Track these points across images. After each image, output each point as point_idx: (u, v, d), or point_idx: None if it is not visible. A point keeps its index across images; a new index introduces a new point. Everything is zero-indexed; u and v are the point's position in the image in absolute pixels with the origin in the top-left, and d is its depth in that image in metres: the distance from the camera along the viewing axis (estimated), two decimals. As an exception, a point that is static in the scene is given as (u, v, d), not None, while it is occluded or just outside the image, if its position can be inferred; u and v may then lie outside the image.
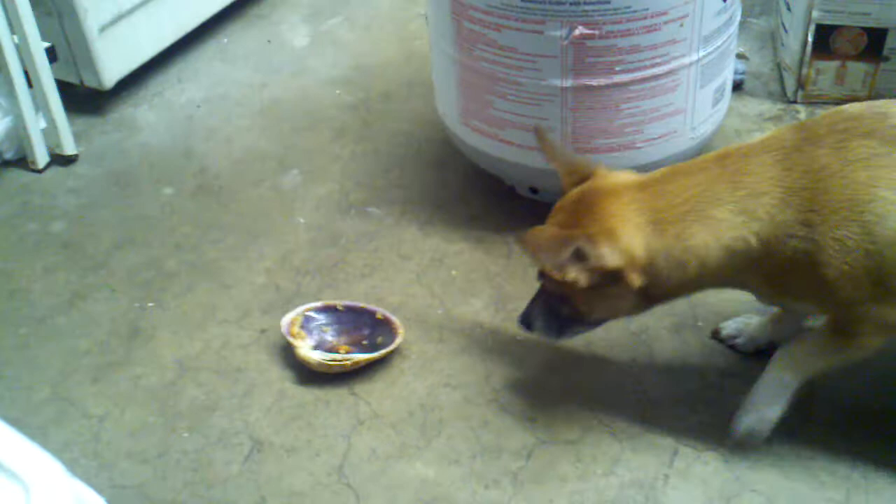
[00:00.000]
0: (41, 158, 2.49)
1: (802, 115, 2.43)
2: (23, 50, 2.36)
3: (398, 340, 1.88)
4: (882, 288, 1.43)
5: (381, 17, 3.07)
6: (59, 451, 1.73)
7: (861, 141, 1.43)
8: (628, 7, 1.80)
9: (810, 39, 2.36)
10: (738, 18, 2.06)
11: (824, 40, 2.36)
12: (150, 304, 2.07)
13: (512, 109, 1.98)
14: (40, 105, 2.45)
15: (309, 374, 1.86)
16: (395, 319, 1.91)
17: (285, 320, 1.91)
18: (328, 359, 1.83)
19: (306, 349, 1.85)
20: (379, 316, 1.93)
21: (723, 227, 1.45)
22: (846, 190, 1.41)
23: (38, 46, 2.38)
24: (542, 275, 1.58)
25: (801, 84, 2.44)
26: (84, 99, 2.70)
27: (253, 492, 1.67)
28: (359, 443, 1.74)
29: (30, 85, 2.41)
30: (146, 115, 2.70)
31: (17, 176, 2.49)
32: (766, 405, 1.60)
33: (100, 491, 1.24)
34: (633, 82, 1.90)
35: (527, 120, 1.97)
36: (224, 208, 2.33)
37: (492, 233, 2.15)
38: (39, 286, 2.14)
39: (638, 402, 1.76)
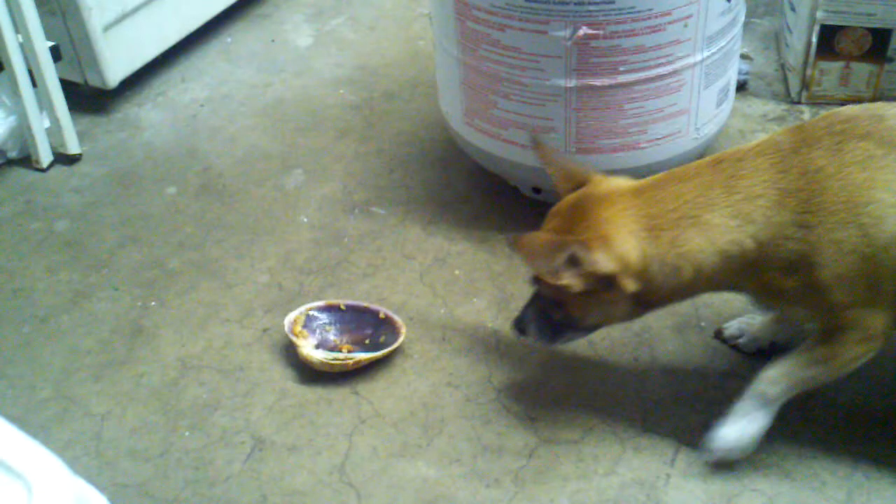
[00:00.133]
0: (45, 157, 2.49)
1: (806, 116, 2.43)
2: (27, 49, 2.36)
3: (400, 340, 1.88)
4: (875, 292, 1.43)
5: (384, 17, 3.07)
6: (61, 449, 1.74)
7: (857, 143, 1.42)
8: (632, 7, 1.80)
9: (814, 40, 2.36)
10: (742, 19, 2.06)
11: (828, 41, 2.35)
12: (153, 303, 2.07)
13: (515, 110, 1.98)
14: (44, 104, 2.46)
15: (311, 374, 1.86)
16: (397, 319, 1.91)
17: (288, 319, 1.91)
18: (330, 358, 1.83)
19: (309, 348, 1.85)
20: (381, 315, 1.93)
21: (718, 231, 1.44)
22: (843, 192, 1.40)
23: (43, 45, 2.38)
24: (535, 280, 1.57)
25: (805, 85, 2.44)
26: (88, 98, 2.70)
27: (254, 490, 1.67)
28: (360, 442, 1.74)
29: (34, 84, 2.42)
30: (150, 114, 2.70)
31: (21, 175, 2.50)
32: (748, 420, 1.59)
33: (101, 489, 1.24)
34: (636, 83, 1.90)
35: (530, 120, 1.97)
36: (227, 207, 2.33)
37: (495, 233, 2.15)
38: (42, 285, 2.15)
39: (640, 402, 1.76)
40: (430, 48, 2.73)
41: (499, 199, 2.23)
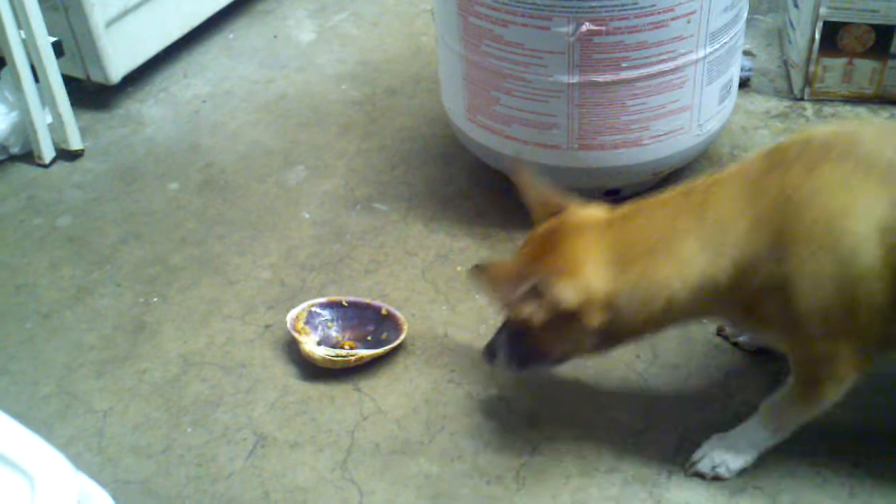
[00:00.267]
0: (47, 153, 2.49)
1: (809, 113, 2.42)
2: (29, 45, 2.36)
3: (402, 336, 1.88)
4: (851, 323, 1.39)
5: (387, 13, 3.06)
6: (64, 445, 1.74)
7: (832, 168, 1.37)
8: (635, 3, 1.79)
9: (817, 36, 2.35)
10: (745, 15, 2.05)
11: (832, 37, 2.35)
12: (155, 299, 2.07)
13: (518, 106, 1.98)
14: (47, 100, 2.46)
15: (313, 370, 1.86)
16: (399, 315, 1.91)
17: (290, 316, 1.91)
18: (332, 354, 1.83)
19: (311, 345, 1.85)
20: (384, 312, 1.93)
21: (689, 261, 1.41)
22: (817, 219, 1.35)
23: (45, 41, 2.38)
24: (504, 309, 1.56)
25: (808, 81, 2.43)
26: (90, 94, 2.70)
27: (256, 487, 1.67)
28: (362, 438, 1.74)
29: (36, 80, 2.42)
30: (152, 110, 2.70)
31: (24, 170, 2.50)
32: (734, 454, 1.59)
33: (104, 486, 1.24)
34: (639, 79, 1.90)
35: (533, 116, 1.97)
36: (229, 204, 2.33)
37: (497, 229, 2.15)
38: (45, 281, 2.15)
39: (642, 399, 1.76)
40: (432, 44, 2.73)
41: (501, 195, 2.23)
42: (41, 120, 2.45)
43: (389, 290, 2.04)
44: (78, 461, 1.42)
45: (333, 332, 1.92)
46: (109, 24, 2.55)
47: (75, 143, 2.52)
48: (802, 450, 1.63)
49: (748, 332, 1.67)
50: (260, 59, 2.89)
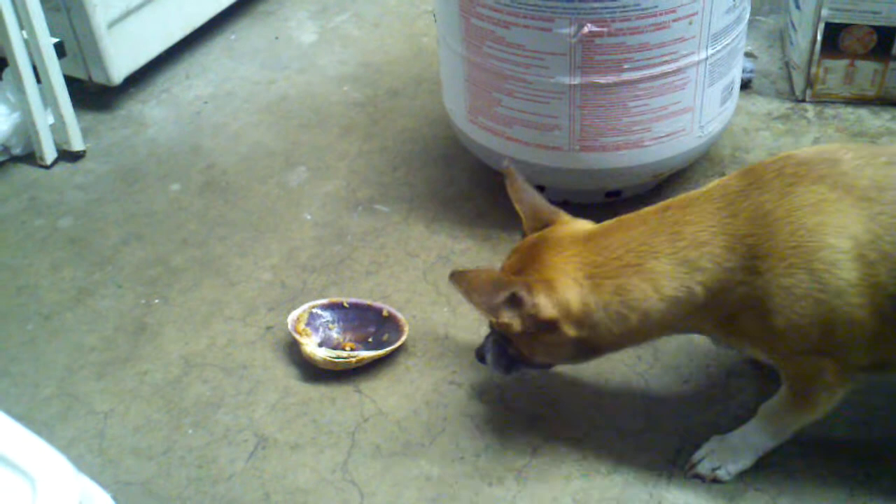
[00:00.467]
0: (49, 154, 2.49)
1: (811, 114, 2.42)
2: (31, 45, 2.36)
3: (403, 338, 1.88)
4: (830, 340, 1.40)
5: (388, 14, 3.06)
6: (65, 447, 1.74)
7: (810, 186, 1.39)
8: (637, 5, 1.79)
9: (819, 38, 2.35)
10: (747, 17, 2.05)
11: (833, 39, 2.35)
12: (157, 301, 2.07)
13: (519, 107, 1.98)
14: (48, 101, 2.46)
15: (314, 371, 1.86)
16: (400, 317, 1.91)
17: (291, 317, 1.91)
18: (333, 356, 1.83)
19: (312, 346, 1.85)
20: (385, 313, 1.93)
21: (662, 278, 1.43)
22: (793, 237, 1.37)
23: (47, 42, 2.38)
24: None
25: (809, 83, 2.43)
26: (92, 95, 2.71)
27: (257, 488, 1.67)
28: (363, 440, 1.74)
29: (38, 80, 2.42)
30: (154, 111, 2.70)
31: (25, 172, 2.50)
32: (733, 457, 1.59)
33: (105, 487, 1.24)
34: (641, 80, 1.90)
35: (535, 118, 1.97)
36: (231, 205, 2.33)
37: (498, 230, 2.15)
38: (46, 282, 2.15)
39: (643, 401, 1.76)
40: (434, 45, 2.73)
41: (502, 196, 2.20)
42: (43, 121, 2.45)
43: (391, 291, 2.04)
44: (79, 463, 1.42)
45: (334, 334, 1.92)
46: (111, 24, 2.55)
47: (77, 144, 2.52)
48: (802, 451, 1.63)
49: (732, 347, 1.69)
50: (261, 60, 2.89)
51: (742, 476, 1.60)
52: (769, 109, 2.46)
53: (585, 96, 1.91)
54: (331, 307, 1.95)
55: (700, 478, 1.60)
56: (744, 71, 2.39)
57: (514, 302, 1.45)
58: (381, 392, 1.82)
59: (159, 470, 1.72)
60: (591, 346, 1.52)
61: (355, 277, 2.08)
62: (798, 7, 2.46)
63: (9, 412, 1.22)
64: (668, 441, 1.68)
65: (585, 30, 1.82)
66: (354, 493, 1.65)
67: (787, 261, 1.37)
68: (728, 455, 1.59)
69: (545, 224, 1.58)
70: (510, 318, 1.47)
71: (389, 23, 3.02)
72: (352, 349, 1.87)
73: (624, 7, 1.80)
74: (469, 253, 2.11)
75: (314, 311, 1.94)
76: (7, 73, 2.44)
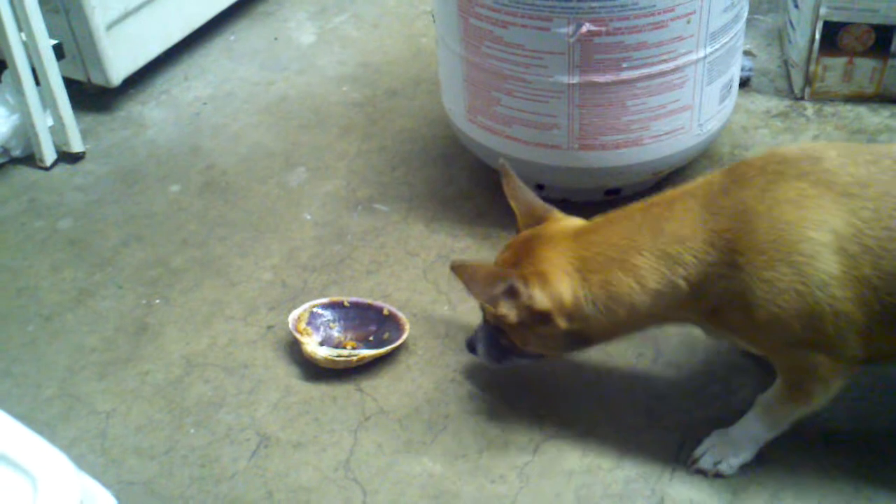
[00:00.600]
0: (48, 156, 2.50)
1: (810, 112, 2.43)
2: (30, 47, 2.36)
3: (404, 336, 1.88)
4: (818, 333, 1.41)
5: (387, 15, 3.07)
6: (67, 447, 1.74)
7: (792, 183, 1.41)
8: (635, 3, 1.80)
9: (818, 36, 2.36)
10: (745, 15, 2.05)
11: (832, 37, 2.35)
12: (157, 301, 2.07)
13: (518, 106, 1.98)
14: (48, 102, 2.46)
15: (315, 371, 1.86)
16: (401, 315, 1.92)
17: (292, 317, 1.91)
18: (334, 355, 1.83)
19: (313, 345, 1.86)
20: (385, 312, 1.93)
21: (645, 273, 1.46)
22: (773, 231, 1.39)
23: (46, 44, 2.38)
24: (482, 307, 1.64)
25: (808, 81, 2.44)
26: (91, 96, 2.71)
27: (260, 487, 1.67)
28: (365, 438, 1.74)
29: (37, 82, 2.42)
30: (153, 112, 2.71)
31: (25, 173, 2.50)
32: (734, 450, 1.60)
33: (107, 487, 1.25)
34: (640, 79, 1.90)
35: (534, 117, 1.97)
36: (231, 205, 2.34)
37: (498, 229, 2.15)
38: (47, 283, 2.15)
39: (644, 397, 1.76)
40: (432, 45, 2.74)
41: (501, 195, 2.19)
42: (42, 122, 2.45)
43: (391, 290, 2.04)
44: (81, 463, 1.43)
45: (335, 333, 1.92)
46: (110, 26, 2.55)
47: (76, 145, 2.52)
48: (805, 446, 1.63)
49: (723, 340, 1.70)
50: (261, 60, 2.89)
51: (744, 470, 1.60)
52: (768, 107, 2.46)
53: (584, 95, 1.92)
54: (331, 306, 1.95)
55: (703, 473, 1.61)
56: (743, 69, 2.40)
57: (511, 293, 1.51)
58: (383, 390, 1.82)
59: (161, 469, 1.72)
60: (582, 337, 1.56)
61: (356, 276, 2.09)
62: (796, 6, 2.47)
63: (10, 413, 1.22)
64: (671, 437, 1.68)
65: (584, 29, 1.83)
66: (357, 492, 1.65)
67: (766, 255, 1.39)
68: (729, 449, 1.60)
69: (538, 220, 1.63)
70: (507, 310, 1.52)
71: (388, 23, 3.03)
72: (353, 348, 1.87)
73: (622, 6, 1.80)
74: (469, 251, 2.11)
75: (315, 310, 1.94)
76: (6, 75, 2.44)
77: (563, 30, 1.84)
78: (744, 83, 2.48)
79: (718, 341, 1.78)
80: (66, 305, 2.08)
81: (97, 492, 1.24)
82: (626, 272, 1.47)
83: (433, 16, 2.18)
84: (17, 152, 2.51)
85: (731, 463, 1.60)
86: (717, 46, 1.94)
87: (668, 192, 1.54)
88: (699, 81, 1.96)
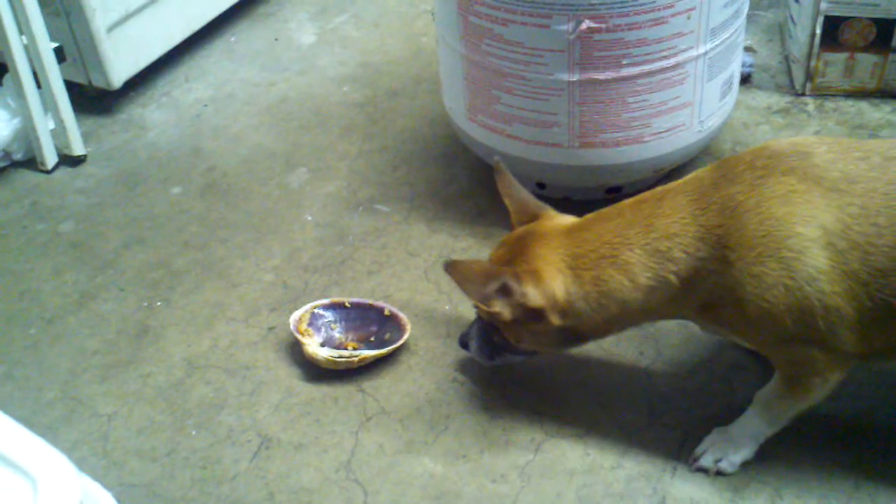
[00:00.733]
0: (50, 159, 2.50)
1: (811, 107, 2.42)
2: (31, 50, 2.36)
3: (405, 337, 1.88)
4: (804, 327, 1.41)
5: (387, 14, 3.07)
6: (69, 450, 1.74)
7: (780, 178, 1.41)
8: (635, 0, 1.79)
9: (818, 31, 2.35)
10: (746, 11, 2.05)
11: (832, 32, 2.34)
12: (159, 303, 2.07)
13: (518, 104, 1.98)
14: (49, 105, 2.46)
15: (317, 371, 1.86)
16: (402, 316, 1.91)
17: (293, 318, 1.91)
18: (336, 355, 1.83)
19: (314, 346, 1.85)
20: (386, 312, 1.93)
21: (636, 269, 1.47)
22: (762, 226, 1.39)
23: (47, 47, 2.38)
24: (475, 304, 1.64)
25: (809, 76, 2.43)
26: (92, 99, 2.71)
27: (261, 488, 1.67)
28: (366, 439, 1.74)
29: (38, 85, 2.42)
30: (154, 114, 2.71)
31: (26, 176, 2.50)
32: (735, 447, 1.60)
33: (109, 489, 1.25)
34: (640, 76, 1.90)
35: (534, 115, 1.97)
36: (232, 207, 2.34)
37: (499, 229, 2.14)
38: (48, 286, 2.15)
39: (645, 396, 1.76)
40: (433, 45, 2.73)
41: (503, 194, 2.23)
42: (43, 126, 2.46)
43: (392, 290, 2.04)
44: (83, 465, 1.43)
45: (336, 334, 1.92)
46: (111, 28, 2.55)
47: (78, 148, 2.52)
48: (806, 443, 1.63)
49: (718, 335, 1.70)
50: (261, 62, 2.89)
51: (746, 468, 1.60)
52: (769, 103, 2.45)
53: (584, 93, 1.91)
54: (333, 307, 1.95)
55: (704, 471, 1.61)
56: (743, 65, 2.39)
57: (505, 291, 1.51)
58: (384, 391, 1.82)
59: (163, 471, 1.72)
60: (575, 333, 1.57)
61: (357, 277, 2.08)
62: (797, 1, 2.46)
63: (13, 416, 1.22)
64: (672, 435, 1.68)
65: (583, 26, 1.82)
66: (358, 492, 1.65)
67: (755, 250, 1.40)
68: (730, 446, 1.60)
69: (532, 218, 1.64)
70: (501, 307, 1.53)
71: (388, 23, 3.02)
72: (354, 349, 1.87)
73: (622, 2, 1.80)
74: (470, 251, 2.11)
75: (316, 311, 1.94)
76: (7, 78, 2.44)
77: (563, 27, 1.83)
78: (745, 79, 2.47)
79: (715, 336, 1.78)
80: (67, 308, 2.09)
81: (98, 494, 1.24)
82: (617, 269, 1.48)
83: (433, 15, 2.18)
84: (18, 156, 2.52)
85: (732, 460, 1.59)
86: (717, 42, 1.94)
87: (659, 189, 1.55)
88: (700, 78, 1.95)
